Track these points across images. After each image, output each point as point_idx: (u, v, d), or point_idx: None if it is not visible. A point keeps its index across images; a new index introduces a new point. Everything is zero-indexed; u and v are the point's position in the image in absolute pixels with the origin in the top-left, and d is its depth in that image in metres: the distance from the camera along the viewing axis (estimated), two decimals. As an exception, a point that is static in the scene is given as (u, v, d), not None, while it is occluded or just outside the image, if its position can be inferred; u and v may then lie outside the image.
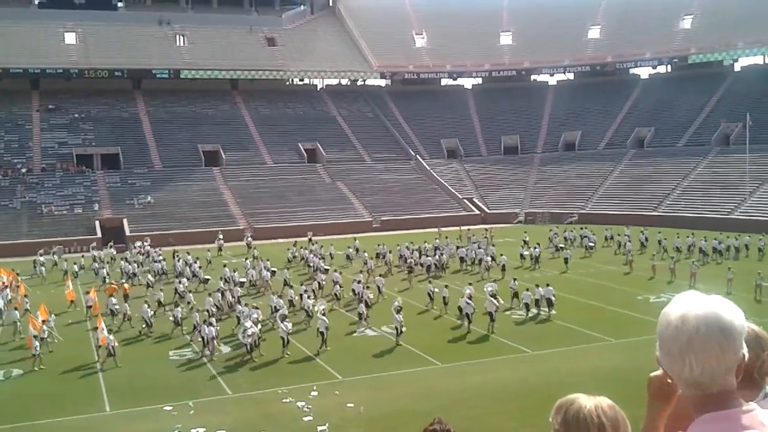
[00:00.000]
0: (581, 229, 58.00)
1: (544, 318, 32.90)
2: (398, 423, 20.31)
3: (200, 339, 28.79)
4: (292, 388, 23.62)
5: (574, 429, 2.19)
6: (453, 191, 78.26)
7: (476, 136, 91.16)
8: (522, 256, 48.15)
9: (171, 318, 32.63)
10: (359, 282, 37.09)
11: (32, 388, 25.16)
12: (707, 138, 78.16)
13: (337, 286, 37.36)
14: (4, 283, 42.26)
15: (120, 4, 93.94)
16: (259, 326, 28.95)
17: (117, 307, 34.68)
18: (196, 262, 46.83)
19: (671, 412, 2.37)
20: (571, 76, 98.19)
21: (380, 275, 41.36)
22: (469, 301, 31.24)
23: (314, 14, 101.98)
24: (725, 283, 35.51)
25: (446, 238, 55.88)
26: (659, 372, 2.35)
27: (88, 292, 36.53)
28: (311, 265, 46.48)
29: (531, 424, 19.29)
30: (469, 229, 61.33)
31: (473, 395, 22.45)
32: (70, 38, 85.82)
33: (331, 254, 50.52)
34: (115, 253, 55.25)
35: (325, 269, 43.65)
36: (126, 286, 40.22)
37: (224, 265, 45.28)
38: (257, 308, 31.05)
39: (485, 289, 33.24)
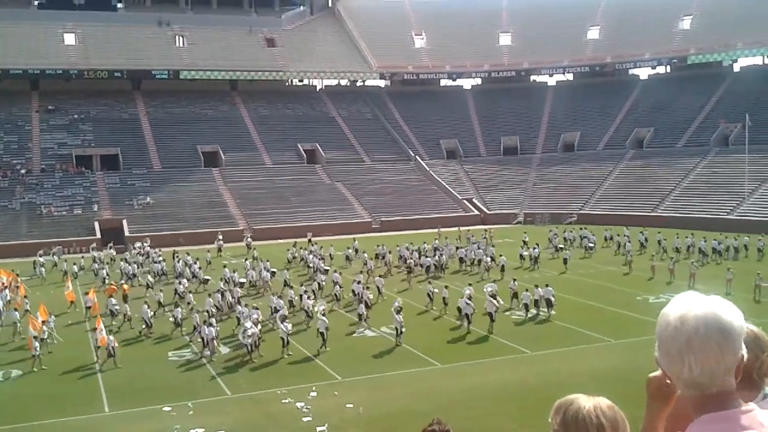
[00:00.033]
0: (581, 229, 58.00)
1: (543, 318, 32.90)
2: (397, 423, 20.31)
3: (200, 339, 28.79)
4: (292, 389, 23.62)
5: (573, 429, 2.19)
6: (452, 192, 78.29)
7: (475, 136, 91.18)
8: (521, 257, 48.19)
9: (171, 319, 32.63)
10: (359, 282, 37.08)
11: (31, 388, 25.16)
12: (706, 138, 78.20)
13: (337, 286, 37.38)
14: (3, 284, 42.27)
15: (119, 5, 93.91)
16: (259, 327, 28.95)
17: (117, 307, 34.69)
18: (195, 263, 46.83)
19: (670, 412, 2.37)
20: (570, 76, 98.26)
21: (380, 276, 41.38)
22: (468, 302, 31.23)
23: (314, 15, 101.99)
24: (724, 283, 35.51)
25: (446, 238, 55.90)
26: (658, 372, 2.35)
27: (87, 293, 36.52)
28: (311, 265, 46.48)
29: (530, 424, 19.29)
30: (468, 230, 61.38)
31: (472, 396, 22.45)
32: (70, 39, 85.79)
33: (330, 255, 50.53)
34: (114, 253, 55.27)
35: (325, 270, 43.67)
36: (125, 286, 40.23)
37: (224, 266, 45.29)
38: (257, 309, 31.07)
39: (485, 290, 33.26)
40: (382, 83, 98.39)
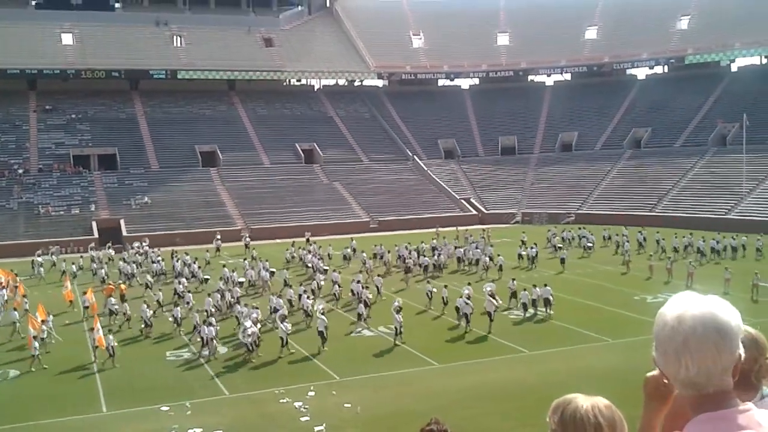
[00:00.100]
0: (579, 229, 58.03)
1: (541, 318, 32.92)
2: (395, 423, 20.31)
3: (199, 339, 28.80)
4: (290, 389, 23.61)
5: (571, 429, 2.20)
6: (450, 192, 78.29)
7: (473, 136, 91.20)
8: (520, 256, 48.21)
9: (170, 318, 32.65)
10: (358, 282, 37.08)
11: (29, 388, 25.13)
12: (704, 138, 78.27)
13: (336, 286, 37.41)
14: (1, 283, 42.23)
15: (117, 5, 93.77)
16: (259, 326, 28.96)
17: (116, 307, 34.71)
18: (195, 263, 46.81)
19: (668, 412, 2.37)
20: (568, 76, 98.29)
21: (378, 275, 41.40)
22: (467, 302, 31.22)
23: (311, 15, 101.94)
24: (722, 283, 35.54)
25: (444, 238, 55.92)
26: (656, 372, 2.35)
27: (85, 293, 36.48)
28: (309, 265, 46.48)
29: (528, 424, 19.29)
30: (466, 230, 61.39)
31: (470, 395, 22.45)
32: (67, 39, 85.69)
33: (329, 254, 50.55)
34: (113, 253, 55.24)
35: (324, 269, 43.68)
36: (123, 286, 40.21)
37: (223, 266, 45.29)
38: (257, 308, 31.09)
39: (484, 290, 33.27)
40: (379, 83, 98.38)
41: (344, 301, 36.77)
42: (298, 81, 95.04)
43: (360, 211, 72.80)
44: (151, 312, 33.10)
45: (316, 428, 19.93)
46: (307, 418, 20.83)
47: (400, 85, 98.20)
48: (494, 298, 31.52)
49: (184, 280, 40.83)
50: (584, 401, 2.23)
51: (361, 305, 32.56)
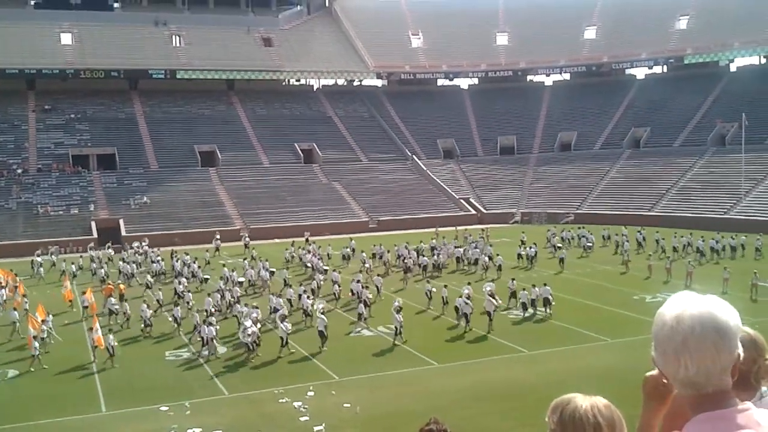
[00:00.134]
0: (578, 229, 58.05)
1: (540, 318, 32.92)
2: (395, 423, 20.31)
3: (200, 339, 28.81)
4: (289, 389, 23.61)
5: (570, 428, 2.20)
6: (449, 191, 78.29)
7: (472, 136, 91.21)
8: (519, 256, 48.22)
9: (170, 318, 32.66)
10: (358, 282, 37.09)
11: (28, 388, 25.13)
12: (703, 138, 78.30)
13: (336, 285, 37.44)
14: (0, 283, 42.20)
15: (116, 5, 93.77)
16: (258, 326, 28.96)
17: (116, 307, 34.69)
18: (195, 262, 46.81)
19: (667, 411, 2.38)
20: (567, 76, 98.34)
21: (378, 275, 41.42)
22: (467, 301, 31.22)
23: (311, 14, 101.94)
24: (721, 282, 35.55)
25: (443, 238, 55.92)
26: (655, 372, 2.35)
27: (84, 293, 36.48)
28: (308, 265, 46.50)
29: (528, 424, 19.29)
30: (466, 229, 61.40)
31: (470, 395, 22.45)
32: (66, 39, 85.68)
33: (328, 254, 50.58)
34: (113, 253, 55.23)
35: (324, 269, 43.68)
36: (122, 286, 40.19)
37: (223, 265, 45.29)
38: (257, 308, 31.11)
39: (484, 290, 33.27)
40: (379, 83, 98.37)
41: (344, 301, 36.77)
42: (297, 81, 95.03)
43: (359, 211, 72.80)
44: (151, 312, 33.11)
45: (316, 428, 19.93)
46: (306, 418, 20.83)
47: (399, 84, 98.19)
48: (494, 297, 31.53)
49: (184, 279, 40.84)
50: (583, 401, 2.23)
51: (361, 305, 32.57)
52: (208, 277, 43.89)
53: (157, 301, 36.33)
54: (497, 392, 22.77)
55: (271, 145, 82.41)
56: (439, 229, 62.70)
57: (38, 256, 51.43)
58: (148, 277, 43.85)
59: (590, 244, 52.82)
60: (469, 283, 35.85)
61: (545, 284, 34.42)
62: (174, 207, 68.92)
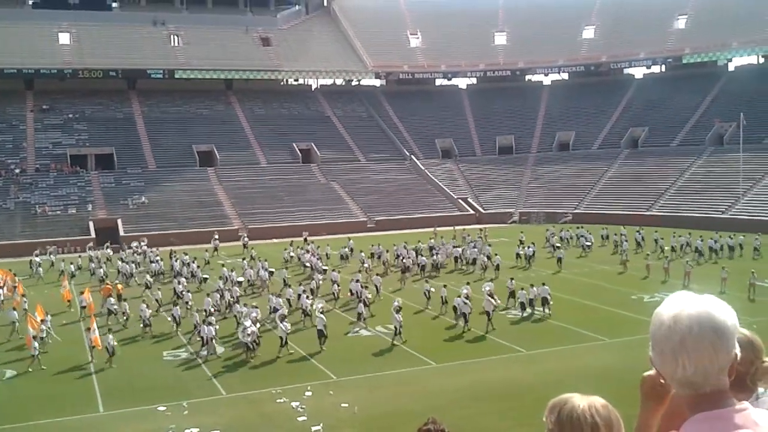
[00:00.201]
0: (577, 228, 58.10)
1: (538, 317, 32.93)
2: (393, 423, 20.31)
3: (199, 339, 28.81)
4: (287, 388, 23.60)
5: (567, 428, 2.20)
6: (447, 191, 78.30)
7: (471, 136, 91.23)
8: (518, 256, 48.24)
9: (169, 318, 32.67)
10: (357, 281, 37.11)
11: (26, 388, 25.11)
12: (701, 138, 78.36)
13: (335, 285, 37.45)
14: (-2, 283, 42.21)
15: (114, 5, 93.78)
16: (258, 325, 28.96)
17: (115, 307, 34.65)
18: (194, 262, 46.78)
19: (665, 411, 2.37)
20: (565, 76, 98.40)
21: (377, 275, 41.43)
22: (466, 301, 31.23)
23: (309, 14, 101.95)
24: (719, 282, 35.57)
25: (441, 238, 55.93)
26: (652, 372, 2.35)
27: (82, 293, 36.47)
28: (307, 265, 46.52)
29: (525, 423, 19.30)
30: (464, 229, 61.41)
31: (467, 395, 22.45)
32: (65, 38, 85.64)
33: (327, 254, 50.59)
34: (111, 253, 55.20)
35: (324, 269, 43.67)
36: (119, 286, 40.13)
37: (222, 265, 45.27)
38: (256, 307, 31.13)
39: (483, 289, 33.28)
40: (377, 83, 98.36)
41: (343, 301, 36.78)
42: (295, 80, 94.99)
43: (357, 211, 72.80)
44: (150, 312, 33.11)
45: (314, 428, 19.93)
46: (304, 418, 20.83)
47: (398, 84, 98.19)
48: (493, 297, 31.55)
49: (183, 279, 40.82)
50: (581, 401, 2.23)
51: (361, 305, 32.57)
52: (207, 276, 43.91)
53: (156, 300, 36.33)
54: (495, 392, 22.77)
55: (269, 144, 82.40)
56: (438, 228, 62.70)
57: (37, 256, 51.37)
58: (148, 277, 43.83)
59: (589, 244, 52.85)
60: (468, 283, 35.83)
61: (544, 284, 34.44)
62: (172, 207, 68.88)
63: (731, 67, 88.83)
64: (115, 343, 27.77)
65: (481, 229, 61.31)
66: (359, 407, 21.50)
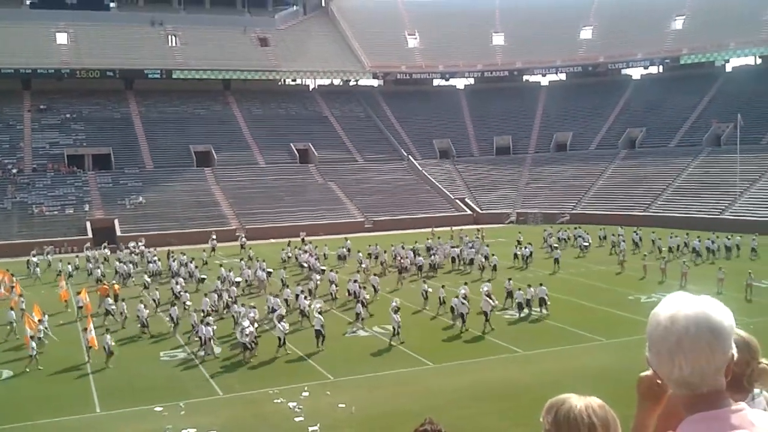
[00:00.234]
0: (575, 229, 58.16)
1: (535, 318, 32.95)
2: (390, 423, 20.31)
3: (197, 339, 28.80)
4: (284, 389, 23.59)
5: (564, 429, 2.20)
6: (445, 191, 78.32)
7: (468, 136, 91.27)
8: (516, 256, 48.26)
9: (167, 318, 32.64)
10: (355, 282, 37.11)
11: (22, 389, 25.06)
12: (698, 138, 78.46)
13: (334, 285, 37.44)
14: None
15: (112, 5, 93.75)
16: (256, 325, 28.93)
17: (113, 307, 34.60)
18: (191, 262, 46.75)
19: (661, 411, 2.38)
20: (563, 76, 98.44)
21: (375, 275, 41.44)
22: (464, 301, 31.24)
23: (307, 14, 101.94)
24: (716, 282, 35.62)
25: (438, 238, 55.94)
26: (649, 372, 2.35)
27: (79, 293, 36.43)
28: (304, 265, 46.52)
29: (523, 424, 19.31)
30: (461, 230, 61.40)
31: (465, 395, 22.46)
32: (62, 38, 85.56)
33: (325, 254, 50.59)
34: (109, 253, 55.15)
35: (322, 270, 43.66)
36: (116, 286, 40.07)
37: (220, 265, 45.25)
38: (254, 307, 31.12)
39: (481, 290, 33.27)
40: (375, 83, 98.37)
41: (341, 301, 36.77)
42: (293, 81, 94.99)
43: (355, 211, 72.79)
44: (148, 312, 33.09)
45: (311, 428, 19.93)
46: (301, 419, 20.83)
47: (396, 84, 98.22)
48: (491, 297, 31.56)
49: (181, 279, 40.79)
50: (578, 401, 2.23)
51: (359, 305, 32.57)
52: (205, 277, 43.89)
53: (154, 300, 36.30)
54: (493, 392, 22.78)
55: (266, 145, 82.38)
56: (435, 229, 62.69)
57: (34, 256, 51.30)
58: (146, 277, 43.80)
59: (587, 244, 52.90)
60: (466, 283, 35.83)
61: (541, 284, 34.47)
62: (169, 207, 68.82)
63: (729, 67, 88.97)
64: (113, 343, 27.74)
65: (478, 230, 61.33)
66: (357, 407, 21.50)
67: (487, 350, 28.12)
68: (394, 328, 29.10)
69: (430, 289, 35.68)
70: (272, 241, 60.96)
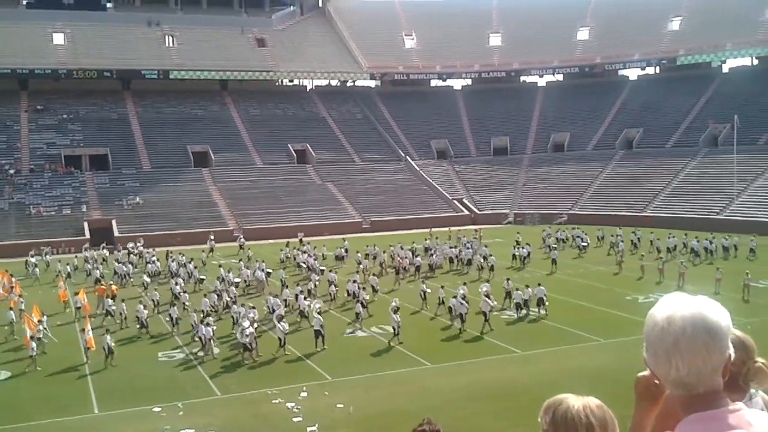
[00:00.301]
0: (573, 229, 58.18)
1: (533, 318, 32.96)
2: (388, 423, 20.31)
3: (197, 339, 28.77)
4: (282, 389, 23.59)
5: (562, 429, 2.21)
6: (443, 192, 78.32)
7: (466, 137, 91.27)
8: (514, 257, 48.26)
9: (167, 318, 32.59)
10: (354, 282, 37.08)
11: (20, 390, 25.02)
12: (695, 139, 78.50)
13: (333, 286, 37.42)
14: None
15: (109, 5, 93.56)
16: (255, 326, 28.91)
17: (113, 308, 34.54)
18: (190, 263, 46.70)
19: (659, 412, 2.39)
20: (560, 77, 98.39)
21: (373, 275, 41.43)
22: (462, 301, 31.23)
23: (304, 15, 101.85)
24: (713, 283, 35.65)
25: (436, 238, 55.91)
26: (646, 372, 2.37)
27: (77, 293, 36.37)
28: (303, 265, 46.49)
29: (521, 424, 19.32)
30: (459, 230, 61.39)
31: (463, 395, 22.47)
32: (59, 39, 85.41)
33: (323, 255, 50.56)
34: (107, 254, 55.06)
35: (321, 270, 43.63)
36: (114, 287, 39.97)
37: (219, 266, 45.20)
38: (254, 308, 31.10)
39: (480, 290, 33.28)
40: (372, 83, 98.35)
41: (340, 301, 36.77)
42: (290, 81, 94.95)
43: (352, 212, 72.77)
44: (147, 312, 33.06)
45: (309, 429, 19.92)
46: (299, 419, 20.83)
47: (393, 85, 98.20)
48: (489, 298, 31.56)
49: (180, 280, 40.72)
50: (575, 401, 2.24)
51: (359, 305, 32.57)
52: (204, 277, 43.84)
53: (153, 301, 36.26)
54: (491, 392, 22.79)
55: (264, 145, 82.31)
56: (433, 229, 62.66)
57: (32, 256, 51.22)
58: (145, 277, 43.74)
59: (585, 245, 52.92)
60: (464, 284, 35.83)
61: (539, 284, 34.48)
62: (167, 207, 68.75)
63: (725, 68, 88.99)
64: (113, 344, 27.71)
65: (476, 230, 61.34)
66: (355, 408, 21.50)
67: (485, 350, 28.13)
68: (394, 328, 29.08)
69: (428, 290, 35.66)
70: (270, 241, 60.88)
